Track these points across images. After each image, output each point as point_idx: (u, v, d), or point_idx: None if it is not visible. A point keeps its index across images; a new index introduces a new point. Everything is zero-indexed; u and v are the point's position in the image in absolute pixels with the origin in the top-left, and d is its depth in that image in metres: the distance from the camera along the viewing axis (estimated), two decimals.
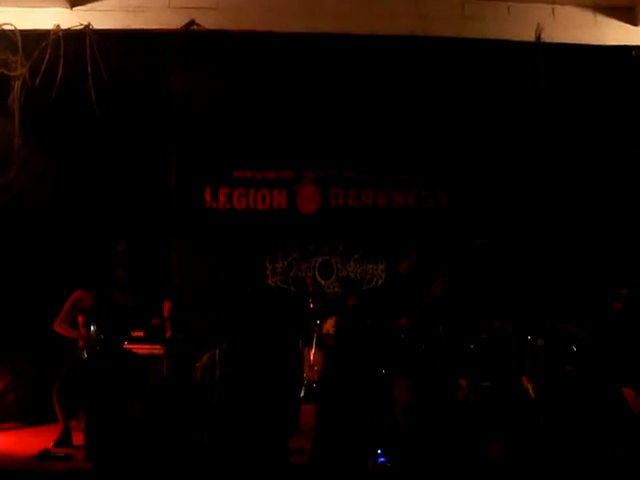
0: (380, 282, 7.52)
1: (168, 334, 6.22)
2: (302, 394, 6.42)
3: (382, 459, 5.14)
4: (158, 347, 6.17)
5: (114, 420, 4.99)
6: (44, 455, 5.17)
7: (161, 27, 6.95)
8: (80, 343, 5.61)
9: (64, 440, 5.48)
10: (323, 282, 7.58)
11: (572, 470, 4.87)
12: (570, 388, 5.66)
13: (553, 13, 6.94)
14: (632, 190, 7.04)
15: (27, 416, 6.25)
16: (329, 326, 6.74)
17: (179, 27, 6.97)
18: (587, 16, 6.92)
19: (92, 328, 5.52)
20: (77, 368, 5.47)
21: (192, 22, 7.05)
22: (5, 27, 6.57)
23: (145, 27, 6.91)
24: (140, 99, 6.91)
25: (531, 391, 5.88)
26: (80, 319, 5.67)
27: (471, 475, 4.94)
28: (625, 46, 6.83)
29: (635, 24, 6.82)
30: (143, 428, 4.92)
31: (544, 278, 6.68)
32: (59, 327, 5.63)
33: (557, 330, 6.18)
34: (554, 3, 6.94)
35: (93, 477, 4.79)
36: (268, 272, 7.49)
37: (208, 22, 7.02)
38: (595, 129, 7.00)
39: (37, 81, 6.52)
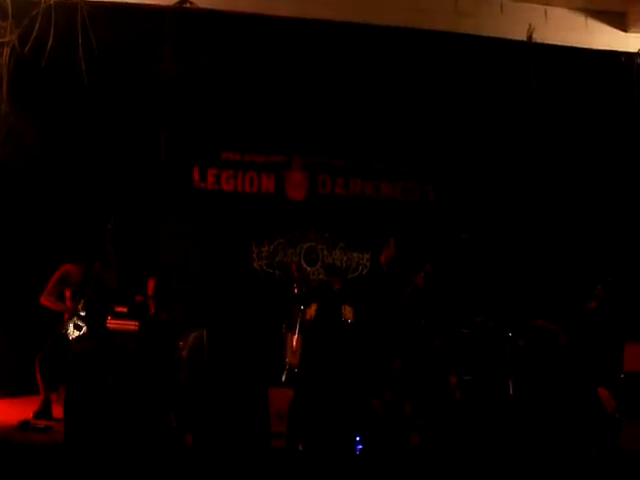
0: (365, 271, 7.60)
1: (152, 311, 6.18)
2: (284, 378, 6.45)
3: (359, 446, 5.20)
4: (134, 323, 6.11)
5: (93, 399, 4.96)
6: (24, 426, 5.15)
7: (154, 3, 6.88)
8: (66, 316, 5.55)
9: (44, 412, 5.42)
10: (308, 268, 7.62)
11: (545, 466, 5.00)
12: (546, 387, 5.78)
13: (545, 14, 7.01)
14: (614, 191, 7.24)
15: (8, 387, 6.15)
16: (312, 312, 6.76)
17: (172, 4, 6.91)
18: (578, 19, 7.01)
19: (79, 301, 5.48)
20: (61, 340, 5.41)
21: (185, 0, 6.98)
22: None
23: (138, 2, 6.83)
24: (130, 74, 6.83)
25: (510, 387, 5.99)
26: (67, 293, 5.62)
27: (449, 464, 5.02)
28: (614, 51, 6.97)
29: (625, 30, 6.94)
30: (122, 404, 4.90)
31: (526, 275, 6.79)
32: (46, 300, 5.58)
33: (536, 328, 6.29)
34: (547, 4, 7.02)
35: (70, 449, 4.76)
36: (254, 255, 7.53)
37: (201, 1, 6.96)
38: (582, 130, 7.18)
39: (27, 49, 6.38)
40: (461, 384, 5.88)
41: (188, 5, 6.83)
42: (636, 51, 6.88)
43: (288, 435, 4.91)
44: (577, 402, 5.45)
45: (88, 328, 5.47)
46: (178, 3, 6.82)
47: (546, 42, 6.97)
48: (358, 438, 5.16)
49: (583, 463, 5.04)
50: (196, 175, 7.46)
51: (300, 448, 4.88)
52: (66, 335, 5.46)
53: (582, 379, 5.66)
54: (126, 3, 6.69)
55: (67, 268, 5.65)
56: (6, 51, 6.36)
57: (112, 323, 6.00)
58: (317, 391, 4.99)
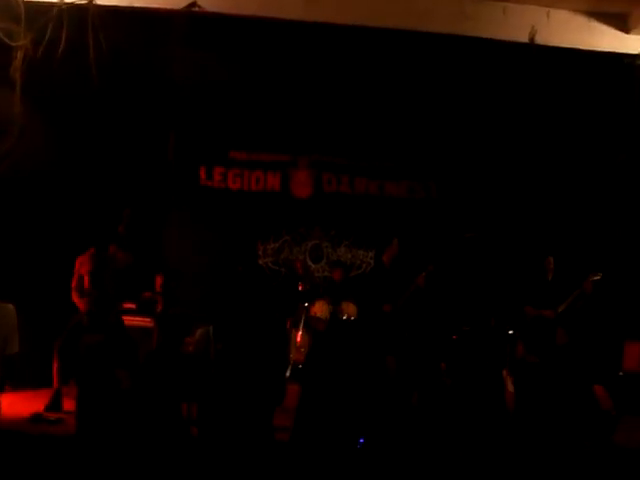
0: (369, 268, 7.72)
1: (159, 308, 6.35)
2: (288, 374, 6.58)
3: (361, 440, 5.34)
4: (149, 320, 6.30)
5: (104, 392, 5.11)
6: (36, 418, 5.32)
7: (162, 6, 7.02)
8: (82, 308, 5.73)
9: (55, 404, 5.60)
10: (313, 266, 7.75)
11: (542, 460, 5.11)
12: (542, 383, 5.89)
13: (548, 16, 7.09)
14: (615, 191, 7.31)
15: (20, 380, 6.22)
16: (317, 309, 6.90)
17: (180, 8, 7.05)
18: (581, 21, 7.08)
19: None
20: (78, 330, 5.57)
21: (194, 3, 7.10)
22: None
23: (147, 5, 6.98)
24: (140, 76, 6.99)
25: (510, 384, 6.09)
26: (86, 282, 5.79)
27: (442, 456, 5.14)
28: (617, 53, 7.03)
29: (627, 32, 7.02)
30: (132, 399, 5.06)
31: (528, 273, 6.87)
32: (73, 295, 5.78)
33: (531, 318, 6.37)
34: (549, 6, 7.09)
35: (81, 442, 4.93)
36: (260, 253, 7.67)
37: (210, 5, 7.09)
38: (584, 131, 7.24)
39: (39, 52, 6.56)
40: (451, 372, 6.01)
41: (196, 9, 6.99)
42: (637, 52, 6.93)
43: (294, 429, 5.06)
44: (572, 398, 5.56)
45: (97, 321, 5.66)
46: (187, 7, 6.99)
47: (549, 44, 7.06)
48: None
49: (578, 458, 5.15)
50: (203, 174, 7.60)
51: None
52: (82, 324, 5.63)
53: (578, 376, 5.76)
54: (135, 7, 6.85)
55: (80, 260, 5.84)
56: (19, 54, 6.52)
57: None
58: (323, 387, 5.16)
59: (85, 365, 5.20)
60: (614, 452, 5.24)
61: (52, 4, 6.61)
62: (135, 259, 6.15)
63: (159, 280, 6.50)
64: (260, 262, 7.64)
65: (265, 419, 5.20)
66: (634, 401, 6.15)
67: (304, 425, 5.06)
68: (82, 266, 5.78)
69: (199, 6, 7.01)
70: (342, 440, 5.09)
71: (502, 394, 5.80)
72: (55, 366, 5.66)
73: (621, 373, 6.42)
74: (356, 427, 5.23)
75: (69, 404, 5.43)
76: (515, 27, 7.00)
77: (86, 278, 5.75)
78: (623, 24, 7.05)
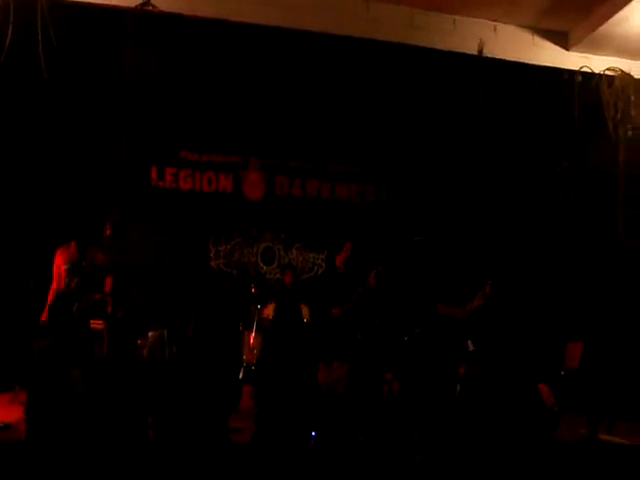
0: (321, 271, 7.81)
1: (109, 310, 6.22)
2: (241, 376, 6.58)
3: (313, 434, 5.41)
4: (99, 322, 6.15)
5: (55, 397, 4.99)
6: None
7: (115, 3, 6.91)
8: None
9: None
10: (265, 268, 7.77)
11: (487, 458, 5.31)
12: (489, 383, 6.10)
13: (495, 30, 7.42)
14: (552, 198, 7.70)
15: None
16: (269, 311, 6.92)
17: (134, 6, 6.95)
18: (526, 36, 7.43)
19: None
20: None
21: (147, 2, 7.02)
22: None
23: (99, 2, 6.85)
24: (91, 73, 6.87)
25: None
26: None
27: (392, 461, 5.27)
28: (558, 68, 7.40)
29: (567, 49, 7.42)
30: (85, 402, 4.97)
31: (476, 276, 7.10)
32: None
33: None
34: (496, 21, 7.41)
35: (31, 448, 4.79)
36: (211, 254, 7.63)
37: (163, 4, 7.02)
38: (526, 140, 7.56)
39: None
40: (398, 377, 6.13)
41: (150, 8, 6.90)
42: (576, 69, 7.32)
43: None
44: (518, 397, 5.79)
45: (49, 323, 5.55)
46: (140, 5, 6.89)
47: (495, 56, 7.36)
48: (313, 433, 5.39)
49: (522, 453, 5.38)
50: (154, 174, 7.51)
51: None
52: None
53: (523, 376, 6.00)
54: (87, 2, 6.71)
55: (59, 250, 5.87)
56: None
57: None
58: (275, 387, 5.20)
59: (36, 370, 5.06)
60: (556, 446, 5.50)
61: None
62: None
63: (109, 282, 6.39)
64: (212, 264, 7.61)
65: (220, 421, 5.22)
66: (573, 398, 6.46)
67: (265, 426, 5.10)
68: (59, 258, 5.78)
69: (153, 5, 6.93)
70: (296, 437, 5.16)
71: (453, 394, 5.98)
72: None
73: (563, 372, 6.72)
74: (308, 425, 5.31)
75: (15, 411, 5.26)
76: (464, 39, 7.26)
77: (62, 269, 5.73)
78: (564, 41, 7.44)
